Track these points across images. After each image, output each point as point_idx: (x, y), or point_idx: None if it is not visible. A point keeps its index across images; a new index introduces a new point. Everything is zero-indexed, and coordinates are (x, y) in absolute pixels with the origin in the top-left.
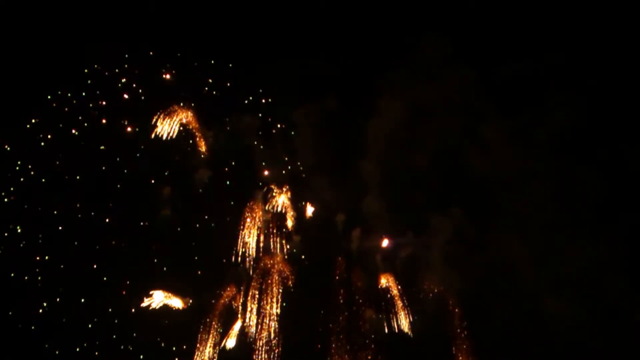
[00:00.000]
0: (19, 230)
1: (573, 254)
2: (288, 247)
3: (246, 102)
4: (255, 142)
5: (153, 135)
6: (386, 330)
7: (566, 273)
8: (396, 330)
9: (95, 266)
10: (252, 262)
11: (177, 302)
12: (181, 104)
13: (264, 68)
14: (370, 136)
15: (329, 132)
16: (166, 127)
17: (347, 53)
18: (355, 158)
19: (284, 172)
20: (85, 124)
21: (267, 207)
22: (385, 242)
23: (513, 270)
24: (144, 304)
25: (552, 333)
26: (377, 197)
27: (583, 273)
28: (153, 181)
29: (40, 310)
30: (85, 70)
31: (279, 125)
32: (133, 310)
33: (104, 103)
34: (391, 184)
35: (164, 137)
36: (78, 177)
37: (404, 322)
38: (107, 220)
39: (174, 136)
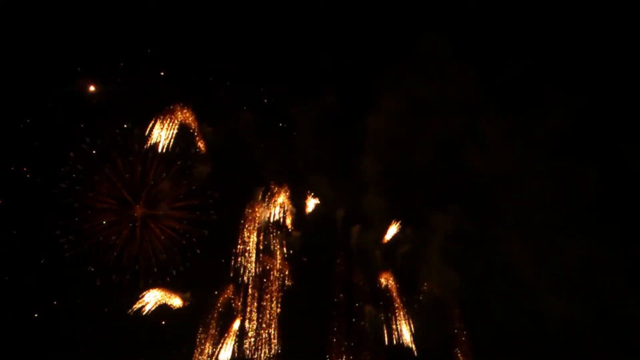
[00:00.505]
0: (14, 233)
1: (572, 253)
2: (287, 246)
3: (245, 99)
4: (255, 140)
5: (153, 135)
6: (386, 341)
7: (565, 272)
8: (396, 343)
9: (92, 268)
10: (251, 261)
11: (176, 301)
12: (180, 103)
13: (264, 65)
14: (370, 133)
15: (328, 129)
16: (165, 127)
17: (348, 50)
18: (355, 154)
19: (283, 170)
20: (81, 125)
21: (266, 206)
22: (393, 230)
23: (512, 269)
24: (142, 304)
25: (551, 332)
26: (376, 193)
27: (582, 272)
28: (152, 182)
29: (36, 315)
30: (79, 69)
31: (280, 124)
32: (131, 311)
33: (101, 102)
34: (391, 181)
35: (163, 137)
36: (74, 175)
37: (405, 331)
38: (103, 222)
39: (174, 136)
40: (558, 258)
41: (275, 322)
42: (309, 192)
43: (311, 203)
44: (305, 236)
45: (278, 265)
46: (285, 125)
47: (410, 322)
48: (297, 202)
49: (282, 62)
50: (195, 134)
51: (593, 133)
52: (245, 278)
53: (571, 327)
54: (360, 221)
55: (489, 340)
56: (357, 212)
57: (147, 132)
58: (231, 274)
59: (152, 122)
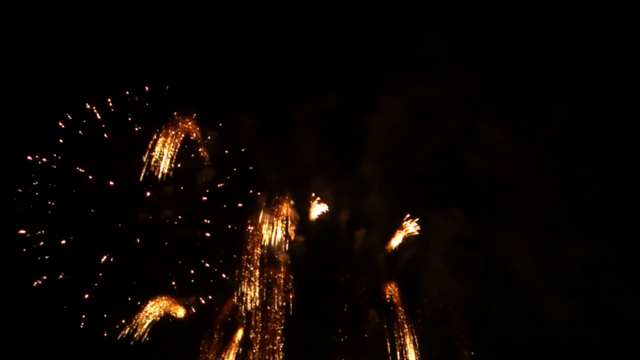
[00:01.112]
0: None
1: (572, 254)
2: (291, 253)
3: (246, 102)
4: (257, 144)
5: (157, 147)
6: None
7: (566, 273)
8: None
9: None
10: (255, 272)
11: (180, 309)
12: (182, 113)
13: (264, 67)
14: (371, 134)
15: (329, 130)
16: (169, 138)
17: (348, 51)
18: (356, 156)
19: (286, 173)
20: (80, 131)
21: (270, 217)
22: (399, 239)
23: (513, 270)
24: (145, 314)
25: (551, 333)
26: (378, 195)
27: (582, 273)
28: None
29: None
30: (79, 71)
31: (281, 127)
32: (135, 321)
33: (101, 109)
34: (392, 183)
35: (167, 147)
36: (80, 173)
37: (408, 343)
38: (108, 236)
39: (177, 146)
40: (558, 259)
41: (280, 332)
42: (312, 196)
43: (315, 208)
44: (309, 241)
45: (282, 275)
46: (285, 127)
47: (414, 333)
48: (301, 207)
49: (282, 64)
50: (198, 141)
51: (593, 134)
52: (249, 291)
53: (571, 327)
54: (364, 224)
55: (489, 342)
56: (360, 215)
57: (150, 145)
58: (235, 284)
59: (156, 134)
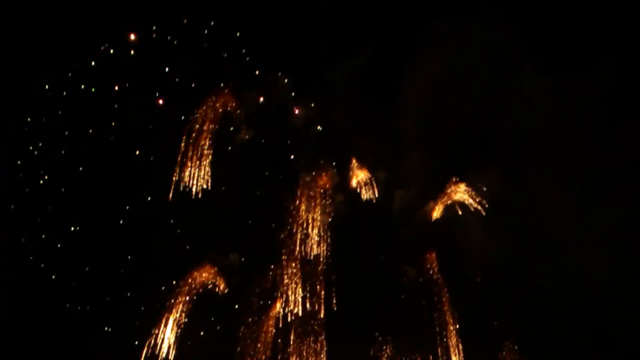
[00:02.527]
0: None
1: (613, 211)
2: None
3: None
4: (292, 105)
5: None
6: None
7: (607, 230)
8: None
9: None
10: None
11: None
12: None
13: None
14: (409, 91)
15: (365, 87)
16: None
17: (387, 5)
18: (393, 113)
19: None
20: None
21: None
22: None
23: (552, 229)
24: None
25: (590, 291)
26: (416, 154)
27: (622, 230)
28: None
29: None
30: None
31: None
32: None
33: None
34: (429, 143)
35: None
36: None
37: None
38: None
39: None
40: (598, 215)
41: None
42: (353, 162)
43: (356, 174)
44: (347, 201)
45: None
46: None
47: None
48: (340, 169)
49: (314, 21)
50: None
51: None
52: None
53: (611, 284)
54: (403, 184)
55: (530, 307)
56: (398, 174)
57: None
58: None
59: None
